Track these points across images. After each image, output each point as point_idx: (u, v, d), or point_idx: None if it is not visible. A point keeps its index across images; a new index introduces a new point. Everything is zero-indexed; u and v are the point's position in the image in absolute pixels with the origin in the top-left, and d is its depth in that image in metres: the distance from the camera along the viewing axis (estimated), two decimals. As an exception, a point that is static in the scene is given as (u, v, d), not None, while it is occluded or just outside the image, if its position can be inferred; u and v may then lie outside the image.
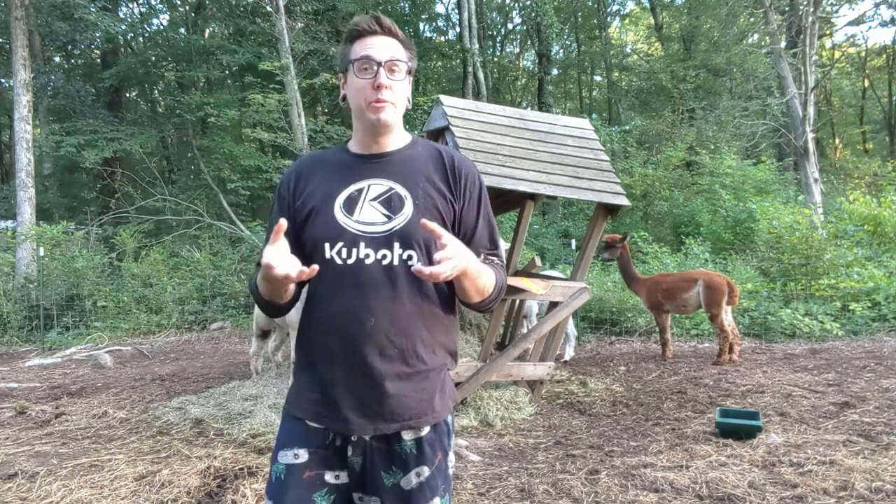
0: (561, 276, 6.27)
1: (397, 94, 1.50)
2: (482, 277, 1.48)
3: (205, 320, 10.22)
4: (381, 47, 1.48)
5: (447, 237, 1.34)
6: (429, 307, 1.49)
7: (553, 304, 5.03)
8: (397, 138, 1.57)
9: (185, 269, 11.15)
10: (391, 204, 1.50)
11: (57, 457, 3.85)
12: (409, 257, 1.46)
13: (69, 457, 3.84)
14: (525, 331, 5.96)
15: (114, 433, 4.49)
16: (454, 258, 1.32)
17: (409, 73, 1.54)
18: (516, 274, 5.21)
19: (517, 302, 5.89)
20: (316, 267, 1.34)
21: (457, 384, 4.74)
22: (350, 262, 1.46)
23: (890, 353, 6.33)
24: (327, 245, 1.47)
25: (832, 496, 2.99)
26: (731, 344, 6.41)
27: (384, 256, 1.45)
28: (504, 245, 6.21)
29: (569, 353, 7.12)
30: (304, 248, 1.52)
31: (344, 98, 1.57)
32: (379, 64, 1.46)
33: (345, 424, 1.46)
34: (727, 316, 6.48)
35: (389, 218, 1.48)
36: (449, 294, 1.55)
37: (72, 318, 10.02)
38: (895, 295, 8.03)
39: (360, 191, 1.51)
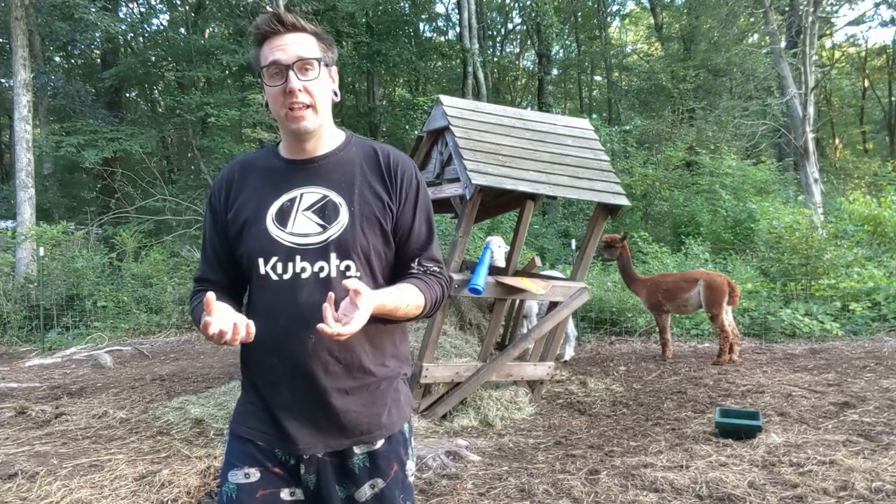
0: (561, 276, 6.27)
1: (315, 94, 1.39)
2: (401, 309, 1.39)
3: (205, 320, 10.20)
4: (288, 47, 1.37)
5: (363, 295, 1.24)
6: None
7: (553, 304, 5.03)
8: (328, 140, 1.48)
9: (185, 269, 11.14)
10: (325, 213, 1.41)
11: (57, 457, 3.85)
12: (347, 268, 1.39)
13: (69, 457, 3.84)
14: (525, 331, 5.96)
15: (114, 433, 4.49)
16: (357, 322, 1.23)
17: (326, 65, 1.43)
18: (516, 274, 5.21)
19: (517, 302, 5.89)
20: (252, 330, 1.27)
21: (457, 384, 4.74)
22: (286, 277, 1.38)
23: (890, 353, 6.33)
24: (261, 260, 1.40)
25: (832, 496, 2.99)
26: (731, 344, 6.41)
27: (321, 269, 1.38)
28: (504, 246, 6.22)
29: (569, 353, 7.12)
30: (240, 263, 1.46)
31: (268, 105, 1.46)
32: (287, 67, 1.36)
33: (294, 445, 1.41)
34: (727, 316, 6.48)
35: (324, 228, 1.40)
36: None
37: (72, 318, 10.02)
38: (895, 295, 8.03)
39: (292, 200, 1.43)
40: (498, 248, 6.14)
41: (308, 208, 1.43)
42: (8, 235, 11.95)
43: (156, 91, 22.33)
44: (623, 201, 4.79)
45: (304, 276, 1.38)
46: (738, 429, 4.03)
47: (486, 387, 5.08)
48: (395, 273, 1.52)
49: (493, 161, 4.55)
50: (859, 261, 8.87)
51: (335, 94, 1.47)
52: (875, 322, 7.74)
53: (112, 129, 15.63)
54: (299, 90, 1.37)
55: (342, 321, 1.24)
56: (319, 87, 1.41)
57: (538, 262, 5.72)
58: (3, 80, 19.17)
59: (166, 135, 18.36)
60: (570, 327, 7.12)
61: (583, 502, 3.10)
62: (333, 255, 1.39)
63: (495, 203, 5.84)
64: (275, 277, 1.39)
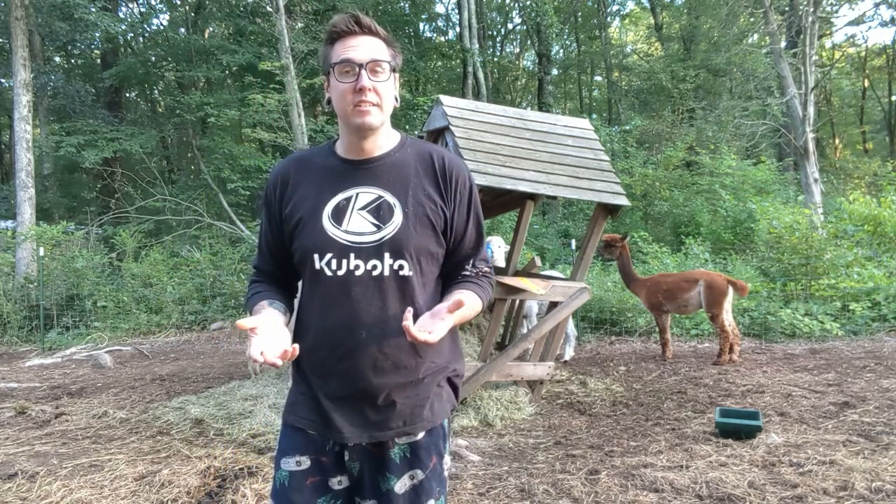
0: (561, 276, 6.27)
1: (382, 95, 1.45)
2: (467, 318, 1.48)
3: (205, 320, 10.23)
4: (362, 48, 1.43)
5: (424, 332, 1.33)
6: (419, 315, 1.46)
7: (553, 304, 5.03)
8: (385, 140, 1.54)
9: (185, 269, 11.15)
10: (380, 213, 1.47)
11: (57, 457, 3.85)
12: (401, 267, 1.44)
13: (69, 457, 3.84)
14: (525, 331, 5.96)
15: (114, 433, 4.49)
16: (435, 340, 1.32)
17: (393, 71, 1.49)
18: (516, 274, 5.21)
19: (517, 302, 5.89)
20: (296, 348, 1.31)
21: (457, 384, 4.74)
22: (340, 273, 1.44)
23: (890, 353, 6.33)
24: (316, 256, 1.45)
25: (832, 496, 2.99)
26: (731, 344, 6.41)
27: (374, 267, 1.43)
28: (504, 246, 6.22)
29: (569, 353, 7.12)
30: (293, 257, 1.52)
31: (329, 101, 1.51)
32: (360, 66, 1.42)
33: (339, 434, 1.47)
34: (728, 316, 6.48)
35: (379, 227, 1.45)
36: (436, 301, 1.54)
37: (72, 318, 10.02)
38: (895, 295, 8.03)
39: (348, 199, 1.48)
40: (498, 248, 6.14)
41: (363, 208, 1.48)
42: (8, 235, 11.95)
43: (156, 91, 22.32)
44: (623, 201, 4.79)
45: (357, 273, 1.43)
46: (738, 429, 4.03)
47: (486, 387, 5.08)
48: (447, 272, 1.58)
49: (493, 161, 4.55)
50: (859, 261, 8.87)
51: (396, 99, 1.52)
52: (875, 322, 7.74)
53: (112, 129, 15.64)
54: (369, 89, 1.42)
55: (425, 330, 1.32)
56: (386, 89, 1.46)
57: (538, 262, 5.72)
58: (3, 80, 19.18)
59: (166, 135, 18.37)
60: (570, 327, 7.12)
61: (583, 502, 3.10)
62: (387, 255, 1.44)
63: (495, 203, 5.84)
64: (329, 273, 1.44)
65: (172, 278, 10.82)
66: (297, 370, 1.55)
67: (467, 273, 1.57)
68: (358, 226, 1.46)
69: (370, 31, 1.46)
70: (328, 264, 1.44)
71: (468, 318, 1.50)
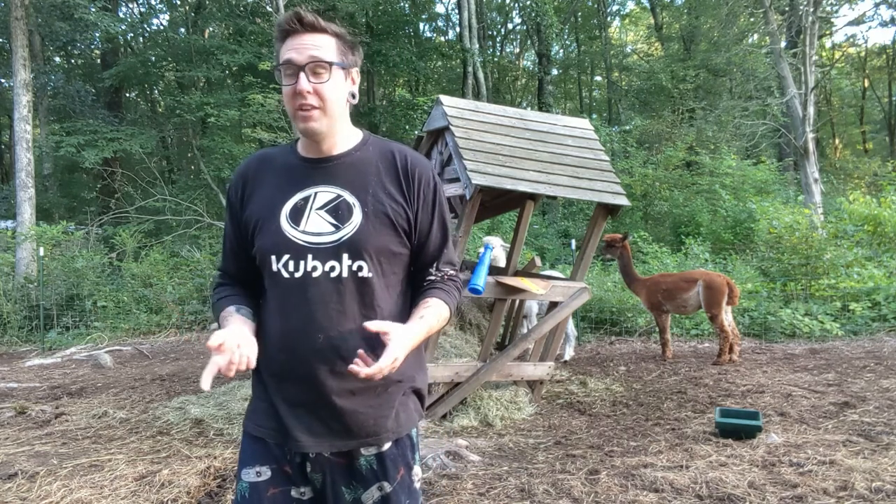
0: (561, 276, 6.27)
1: (325, 96, 1.38)
2: (431, 331, 1.44)
3: (205, 320, 10.22)
4: (303, 48, 1.37)
5: (393, 333, 1.31)
6: (381, 320, 1.40)
7: (553, 304, 5.03)
8: (344, 140, 1.48)
9: (185, 269, 11.15)
10: (339, 212, 1.42)
11: (57, 457, 3.85)
12: (360, 268, 1.40)
13: (69, 457, 3.84)
14: (525, 331, 5.96)
15: (114, 433, 4.49)
16: (393, 361, 1.29)
17: (343, 68, 1.42)
18: (516, 274, 5.21)
19: (517, 302, 5.89)
20: (251, 358, 1.32)
21: (457, 384, 4.74)
22: (297, 275, 1.39)
23: (890, 353, 6.33)
24: (273, 258, 1.41)
25: (832, 496, 2.99)
26: (731, 344, 6.41)
27: (332, 268, 1.38)
28: (504, 245, 6.22)
29: (569, 353, 7.12)
30: (255, 259, 1.48)
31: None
32: (300, 68, 1.36)
33: (296, 443, 1.41)
34: (727, 316, 6.48)
35: (337, 227, 1.40)
36: (402, 306, 1.49)
37: (72, 318, 10.02)
38: (895, 295, 8.03)
39: (306, 199, 1.44)
40: (498, 248, 6.13)
41: (321, 207, 1.43)
42: (8, 235, 11.95)
43: (156, 91, 22.33)
44: (623, 201, 4.79)
45: (314, 274, 1.39)
46: (738, 429, 4.03)
47: (486, 387, 5.08)
48: (413, 275, 1.53)
49: (493, 161, 4.55)
50: (859, 261, 8.87)
51: (352, 96, 1.47)
52: (875, 322, 7.73)
53: (112, 129, 15.63)
54: (309, 92, 1.36)
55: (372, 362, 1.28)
56: (331, 90, 1.39)
57: (538, 262, 5.72)
58: (3, 80, 19.19)
59: (166, 135, 18.38)
60: (570, 327, 7.11)
61: (583, 502, 3.09)
62: (345, 256, 1.39)
63: (495, 203, 5.84)
64: (286, 275, 1.40)
65: (172, 278, 10.82)
66: (257, 376, 1.50)
67: (433, 277, 1.51)
68: (316, 226, 1.41)
69: (314, 28, 1.39)
70: (285, 266, 1.40)
71: (436, 328, 1.46)
